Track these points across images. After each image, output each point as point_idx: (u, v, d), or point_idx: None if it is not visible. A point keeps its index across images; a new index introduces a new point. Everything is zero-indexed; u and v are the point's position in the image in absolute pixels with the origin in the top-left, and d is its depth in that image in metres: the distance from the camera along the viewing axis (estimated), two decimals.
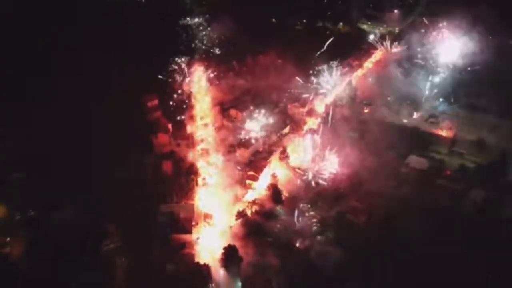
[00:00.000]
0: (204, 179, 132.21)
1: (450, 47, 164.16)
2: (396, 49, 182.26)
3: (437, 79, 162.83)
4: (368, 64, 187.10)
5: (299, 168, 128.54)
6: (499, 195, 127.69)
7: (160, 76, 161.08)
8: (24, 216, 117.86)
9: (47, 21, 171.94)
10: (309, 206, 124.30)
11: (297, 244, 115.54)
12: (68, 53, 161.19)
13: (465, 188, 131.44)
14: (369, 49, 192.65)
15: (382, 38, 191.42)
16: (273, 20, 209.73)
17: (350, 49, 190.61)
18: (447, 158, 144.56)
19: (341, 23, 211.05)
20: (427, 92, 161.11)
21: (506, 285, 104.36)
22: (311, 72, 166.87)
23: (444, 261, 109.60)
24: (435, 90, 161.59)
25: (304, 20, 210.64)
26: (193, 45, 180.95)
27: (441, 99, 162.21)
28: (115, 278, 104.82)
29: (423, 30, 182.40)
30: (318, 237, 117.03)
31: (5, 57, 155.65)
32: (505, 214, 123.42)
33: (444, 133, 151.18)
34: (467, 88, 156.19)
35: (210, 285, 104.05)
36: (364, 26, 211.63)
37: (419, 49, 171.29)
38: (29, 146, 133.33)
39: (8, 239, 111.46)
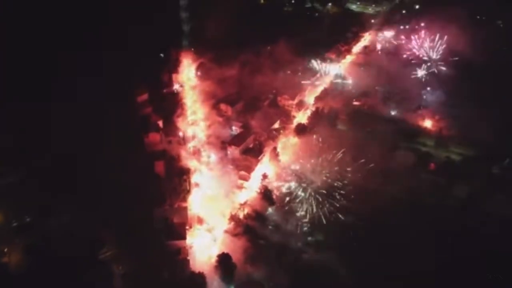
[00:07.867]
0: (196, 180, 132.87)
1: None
2: (385, 32, 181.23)
3: (426, 71, 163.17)
4: (357, 49, 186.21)
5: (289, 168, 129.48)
6: (483, 190, 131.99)
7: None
8: (20, 223, 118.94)
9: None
10: (299, 205, 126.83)
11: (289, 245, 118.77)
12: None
13: (450, 182, 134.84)
14: (358, 32, 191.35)
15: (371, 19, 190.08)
16: (262, 1, 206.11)
17: (339, 32, 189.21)
18: (433, 150, 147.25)
19: (330, 4, 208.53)
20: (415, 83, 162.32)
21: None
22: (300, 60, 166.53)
23: (431, 257, 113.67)
24: (424, 81, 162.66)
25: (293, 1, 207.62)
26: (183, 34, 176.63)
27: (429, 89, 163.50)
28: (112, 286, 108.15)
29: None
30: (309, 238, 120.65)
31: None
32: (488, 209, 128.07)
33: (431, 125, 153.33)
34: (456, 80, 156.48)
35: None
36: (353, 7, 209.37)
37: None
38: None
39: (6, 249, 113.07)
